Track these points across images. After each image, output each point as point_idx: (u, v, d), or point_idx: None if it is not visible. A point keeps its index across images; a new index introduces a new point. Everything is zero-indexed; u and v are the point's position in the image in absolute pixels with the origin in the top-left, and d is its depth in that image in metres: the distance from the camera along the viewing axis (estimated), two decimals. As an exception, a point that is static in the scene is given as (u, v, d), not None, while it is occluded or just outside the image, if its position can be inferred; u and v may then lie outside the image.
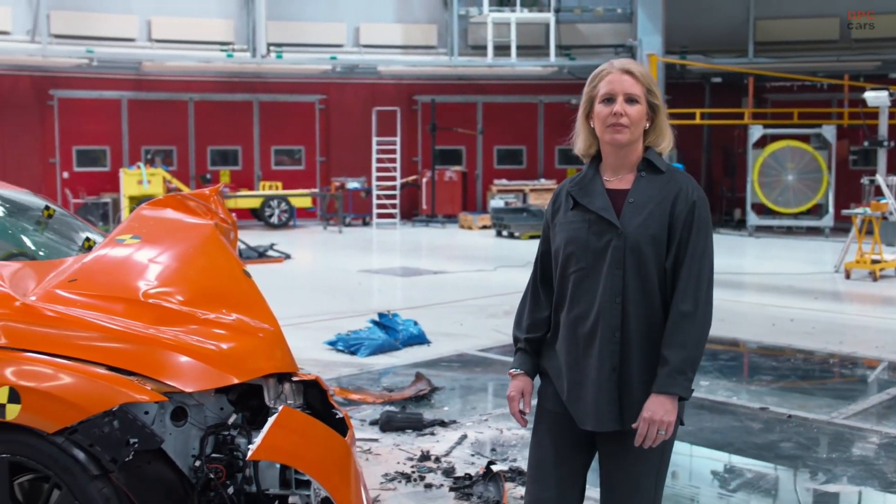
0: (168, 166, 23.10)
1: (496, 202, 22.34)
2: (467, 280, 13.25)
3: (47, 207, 4.89)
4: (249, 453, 3.11)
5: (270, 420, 3.17)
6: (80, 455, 3.09)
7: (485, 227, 21.81)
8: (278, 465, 3.31)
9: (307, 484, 3.31)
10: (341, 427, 3.55)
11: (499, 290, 12.10)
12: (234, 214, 17.96)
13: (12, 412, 3.13)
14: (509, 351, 8.03)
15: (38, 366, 3.21)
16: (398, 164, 23.49)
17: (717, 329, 9.30)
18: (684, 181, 2.90)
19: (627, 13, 24.10)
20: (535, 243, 12.26)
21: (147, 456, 3.17)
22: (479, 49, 24.53)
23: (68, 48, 21.96)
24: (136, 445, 3.09)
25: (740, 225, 22.21)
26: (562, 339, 2.95)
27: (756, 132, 20.74)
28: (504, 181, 24.10)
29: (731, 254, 17.26)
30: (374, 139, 23.49)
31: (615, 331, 2.83)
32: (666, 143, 2.96)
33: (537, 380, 3.09)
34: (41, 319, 3.36)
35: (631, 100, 2.87)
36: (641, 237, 2.82)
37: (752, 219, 20.74)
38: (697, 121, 22.22)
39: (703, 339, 2.83)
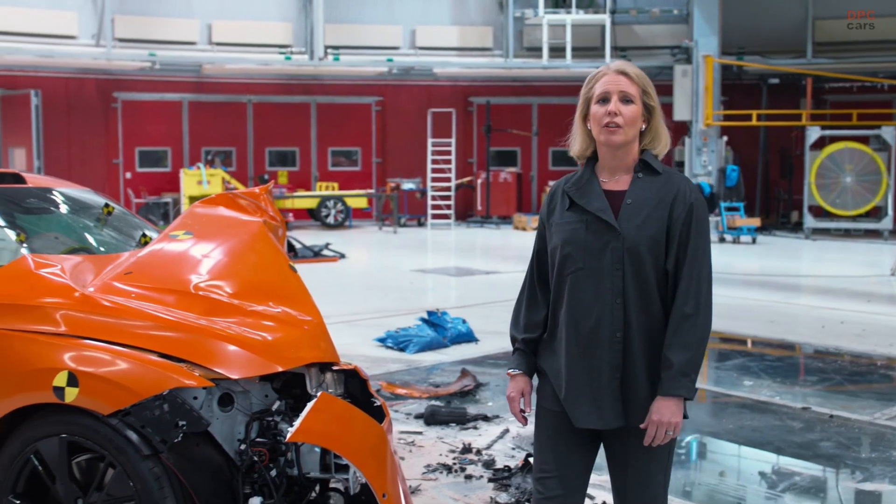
0: (227, 167, 23.55)
1: (550, 203, 22.38)
2: (518, 280, 13.24)
3: (107, 205, 5.13)
4: (288, 435, 3.29)
5: (309, 405, 3.34)
6: (133, 436, 3.29)
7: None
8: (319, 450, 3.48)
9: (346, 468, 3.48)
10: (379, 415, 3.71)
11: (549, 290, 12.19)
12: (290, 214, 18.30)
13: (71, 395, 3.34)
14: (556, 349, 8.18)
15: (94, 352, 3.42)
16: (453, 166, 23.65)
17: (766, 331, 9.34)
18: (682, 183, 2.93)
19: (684, 14, 23.99)
20: None
21: (195, 438, 3.35)
22: (535, 51, 24.62)
23: (132, 52, 22.48)
24: (185, 428, 3.28)
25: (797, 227, 22.02)
26: (561, 338, 2.96)
27: (814, 133, 20.55)
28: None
29: (787, 257, 17.16)
30: (430, 140, 23.69)
31: (617, 331, 2.87)
32: (662, 146, 2.99)
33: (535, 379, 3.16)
34: (98, 309, 3.57)
35: (626, 99, 2.90)
36: (640, 238, 2.86)
37: (809, 221, 20.54)
38: (754, 122, 22.08)
39: (704, 340, 2.88)
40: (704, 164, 21.71)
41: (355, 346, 8.37)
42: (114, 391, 3.32)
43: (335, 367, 3.77)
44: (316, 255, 16.22)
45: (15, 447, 3.48)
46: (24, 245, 4.32)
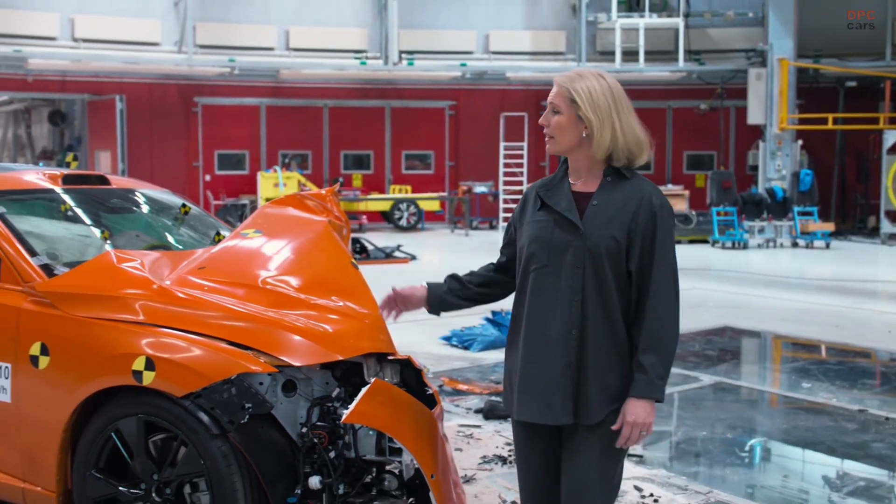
0: (303, 170, 24.06)
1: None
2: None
3: (184, 206, 5.46)
4: (343, 416, 3.53)
5: (364, 390, 3.58)
6: (204, 417, 3.56)
7: (610, 231, 21.93)
8: (374, 435, 3.73)
9: (399, 452, 3.72)
10: (431, 402, 3.94)
11: (615, 292, 12.33)
12: (364, 217, 18.66)
13: (148, 378, 3.63)
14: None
15: (170, 339, 3.71)
16: (525, 169, 23.83)
17: (831, 335, 9.33)
18: (648, 189, 2.97)
19: (759, 17, 23.83)
20: (679, 248, 12.27)
21: (260, 421, 3.62)
22: (608, 55, 24.66)
23: (212, 58, 23.13)
24: (251, 410, 3.54)
25: (874, 233, 21.69)
26: (521, 334, 3.03)
27: (891, 137, 20.27)
28: (632, 186, 24.14)
29: (861, 262, 16.97)
30: (502, 144, 23.90)
31: (573, 328, 2.93)
32: (603, 150, 2.97)
33: None
34: (174, 300, 3.87)
35: (553, 111, 3.00)
36: (601, 239, 2.92)
37: (886, 226, 20.26)
38: (830, 126, 21.81)
39: (674, 344, 2.95)
40: (778, 168, 21.53)
41: (421, 344, 8.62)
42: (187, 375, 3.60)
43: (391, 358, 4.01)
44: (388, 256, 16.54)
45: (98, 426, 3.79)
46: (108, 242, 4.66)
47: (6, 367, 3.96)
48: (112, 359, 3.73)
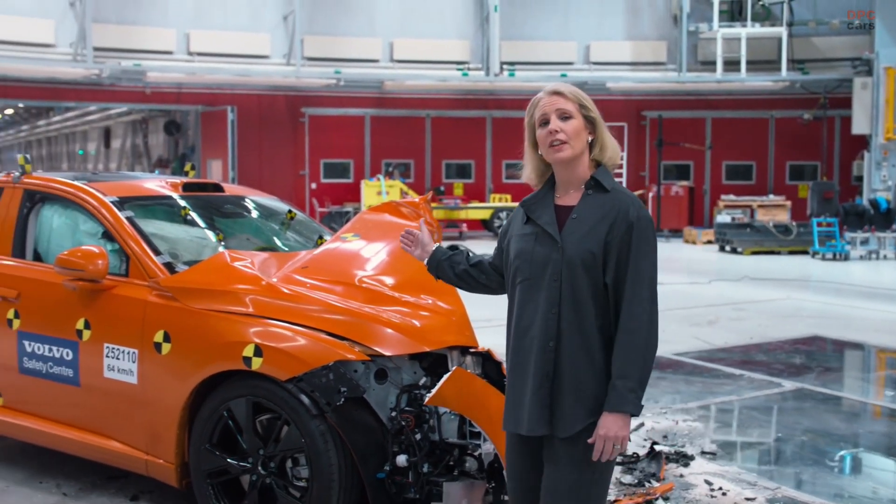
0: (406, 178, 24.64)
1: (722, 217, 22.29)
2: (679, 291, 13.63)
3: (290, 211, 5.96)
4: (426, 399, 3.92)
5: (445, 376, 3.96)
6: (305, 399, 4.00)
7: (709, 241, 21.91)
8: (457, 420, 4.11)
9: (478, 435, 4.09)
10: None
11: (709, 301, 12.48)
12: (464, 224, 19.19)
13: (257, 363, 4.09)
14: (705, 356, 8.57)
15: (276, 329, 4.16)
16: (624, 179, 23.91)
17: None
18: (626, 201, 2.99)
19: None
20: (758, 259, 12.98)
21: (354, 404, 4.03)
22: (709, 64, 24.62)
23: (319, 70, 23.91)
24: (346, 394, 3.96)
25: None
26: (511, 346, 3.10)
27: None
28: (732, 196, 24.03)
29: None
30: (602, 154, 24.02)
31: (550, 340, 2.96)
32: (609, 154, 3.10)
33: None
34: (280, 295, 4.32)
35: (564, 116, 3.03)
36: (578, 252, 2.95)
37: None
38: (938, 136, 21.38)
39: (651, 357, 2.95)
40: (884, 178, 21.21)
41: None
42: (290, 361, 4.04)
43: (473, 351, 4.40)
44: (485, 263, 16.87)
45: (212, 405, 4.27)
46: (222, 243, 5.17)
47: (133, 353, 4.47)
48: (225, 346, 4.21)
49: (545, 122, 3.04)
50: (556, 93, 3.06)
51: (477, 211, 23.99)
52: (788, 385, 7.56)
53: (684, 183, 25.00)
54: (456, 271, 3.44)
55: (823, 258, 18.80)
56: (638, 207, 2.99)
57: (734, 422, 6.60)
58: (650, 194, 24.82)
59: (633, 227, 2.95)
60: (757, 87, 24.61)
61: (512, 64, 25.16)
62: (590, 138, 3.07)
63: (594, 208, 3.00)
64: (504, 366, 4.54)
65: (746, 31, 23.80)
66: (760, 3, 23.68)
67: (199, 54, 23.45)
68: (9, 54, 21.50)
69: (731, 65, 23.95)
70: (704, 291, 13.64)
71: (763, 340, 9.59)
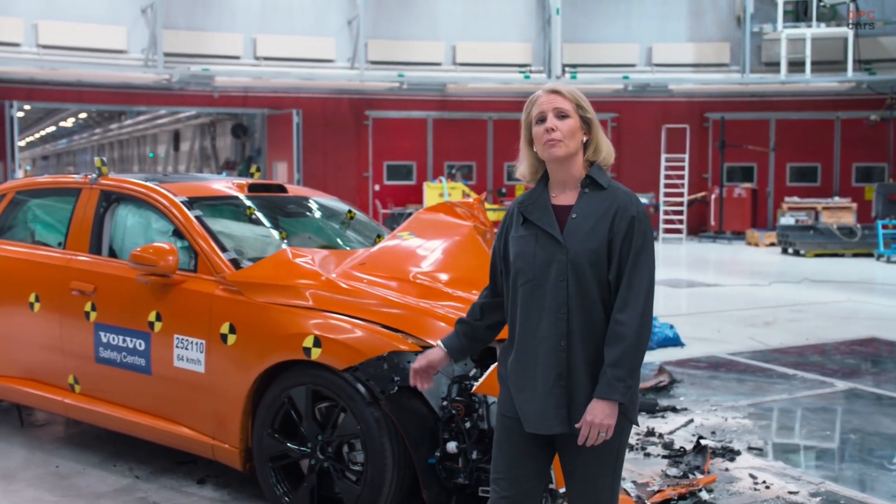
0: (468, 181, 24.86)
1: (786, 219, 22.10)
2: (738, 293, 13.66)
3: (350, 211, 6.22)
4: (473, 388, 4.13)
5: (491, 367, 4.17)
6: (361, 388, 4.23)
7: (771, 244, 21.77)
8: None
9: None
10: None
11: (767, 303, 12.48)
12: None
13: (315, 354, 4.34)
14: (759, 356, 8.65)
15: (334, 321, 4.41)
16: (686, 181, 23.88)
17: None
18: (624, 197, 3.06)
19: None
20: (821, 261, 12.98)
21: (407, 392, 4.25)
22: (773, 65, 24.45)
23: (382, 73, 24.25)
24: (399, 383, 4.19)
25: None
26: (514, 348, 3.15)
27: None
28: (796, 198, 23.82)
29: None
30: (663, 156, 24.05)
31: (561, 339, 3.02)
32: (604, 154, 3.15)
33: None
34: (338, 290, 4.57)
35: (561, 115, 3.07)
36: (582, 252, 3.01)
37: None
38: None
39: (642, 348, 3.02)
40: (952, 181, 20.87)
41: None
42: (347, 352, 4.28)
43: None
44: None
45: (274, 393, 4.53)
46: (285, 241, 5.44)
47: (201, 343, 4.76)
48: (287, 337, 4.46)
49: (542, 119, 3.08)
50: (555, 91, 3.10)
51: (538, 213, 24.09)
52: (841, 385, 7.61)
53: (747, 185, 24.84)
54: (474, 336, 3.38)
55: (888, 261, 18.59)
56: (636, 203, 3.07)
57: (783, 420, 6.68)
58: (712, 196, 24.71)
59: (633, 221, 3.03)
60: (822, 88, 24.36)
61: (573, 66, 25.26)
62: (585, 138, 3.12)
63: (593, 206, 3.06)
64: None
65: (811, 31, 23.59)
66: (822, 4, 23.41)
67: (266, 59, 23.94)
68: (84, 60, 22.20)
69: (796, 66, 23.76)
70: (763, 293, 13.64)
71: (819, 342, 9.61)
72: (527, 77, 25.06)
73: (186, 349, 4.82)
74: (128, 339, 5.10)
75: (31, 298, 5.62)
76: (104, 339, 5.23)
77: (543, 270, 3.05)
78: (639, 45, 25.63)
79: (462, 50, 25.28)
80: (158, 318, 4.96)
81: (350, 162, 25.04)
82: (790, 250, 20.15)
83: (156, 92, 23.74)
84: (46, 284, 5.59)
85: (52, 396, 5.58)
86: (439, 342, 3.35)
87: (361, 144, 25.17)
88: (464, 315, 3.46)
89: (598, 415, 2.97)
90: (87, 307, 5.31)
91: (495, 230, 4.45)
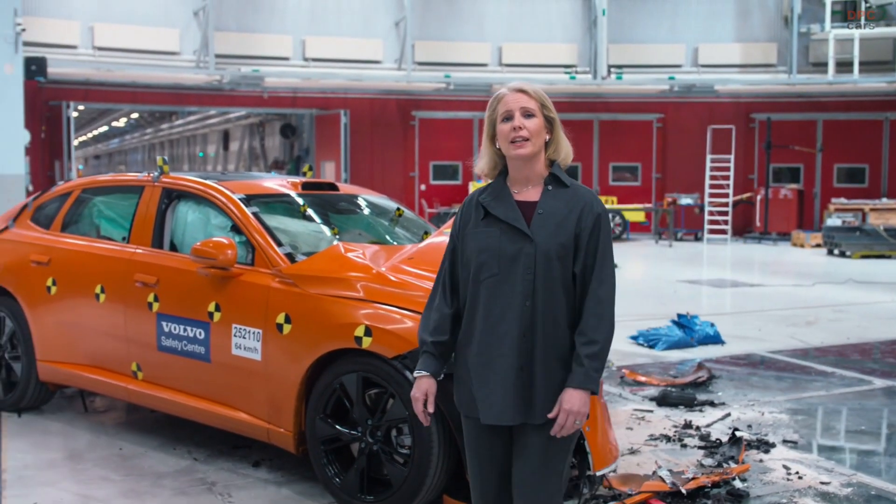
0: (512, 180, 25.02)
1: (833, 221, 21.99)
2: (781, 293, 13.72)
3: (398, 209, 6.47)
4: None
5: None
6: (409, 375, 4.48)
7: (817, 245, 21.71)
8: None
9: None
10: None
11: (810, 303, 12.55)
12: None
13: (366, 342, 4.59)
14: (799, 355, 8.78)
15: (384, 312, 4.65)
16: (731, 181, 23.87)
17: None
18: (588, 196, 3.17)
19: None
20: (866, 263, 13.03)
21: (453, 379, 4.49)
22: (820, 66, 24.37)
23: (429, 74, 24.53)
24: (446, 370, 4.42)
25: None
26: (475, 341, 3.17)
27: None
28: (843, 200, 23.71)
29: None
30: (708, 157, 24.06)
31: (525, 332, 3.09)
32: (564, 154, 3.24)
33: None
34: (388, 282, 4.81)
35: (527, 114, 3.14)
36: (551, 246, 3.09)
37: None
38: None
39: (610, 339, 3.13)
40: None
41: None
42: (396, 341, 4.53)
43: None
44: (588, 264, 17.18)
45: (326, 380, 4.78)
46: (337, 237, 5.70)
47: (258, 333, 5.03)
48: (339, 327, 4.72)
49: (508, 117, 3.15)
50: (521, 90, 3.17)
51: (583, 213, 24.22)
52: (879, 383, 7.72)
53: (794, 186, 24.77)
54: (452, 347, 3.33)
55: (936, 263, 18.50)
56: (599, 201, 3.18)
57: (819, 415, 6.82)
58: (758, 197, 24.67)
59: (599, 218, 3.15)
60: (870, 89, 24.24)
61: (619, 67, 25.35)
62: (547, 138, 3.19)
63: (557, 203, 3.15)
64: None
65: (860, 32, 23.48)
66: (868, 5, 23.28)
67: (315, 60, 24.33)
68: (138, 62, 22.74)
69: (844, 66, 23.68)
70: (806, 293, 13.69)
71: (860, 341, 9.70)
72: (572, 78, 25.20)
73: (244, 338, 5.09)
74: (188, 328, 5.39)
75: (97, 290, 5.94)
76: (166, 329, 5.52)
77: (510, 264, 3.09)
78: (685, 46, 25.66)
79: (508, 51, 25.49)
80: (217, 308, 5.24)
81: (396, 162, 25.34)
82: (836, 251, 20.09)
83: (207, 92, 24.23)
84: (111, 276, 5.90)
85: (116, 382, 5.89)
86: (422, 371, 3.26)
87: (408, 144, 25.46)
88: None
89: (576, 404, 3.04)
90: (150, 298, 5.61)
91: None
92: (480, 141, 3.34)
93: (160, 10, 23.21)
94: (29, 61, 19.86)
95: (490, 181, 3.29)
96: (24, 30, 18.97)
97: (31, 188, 19.94)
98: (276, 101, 24.85)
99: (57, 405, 6.82)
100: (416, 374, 3.28)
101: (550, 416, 3.08)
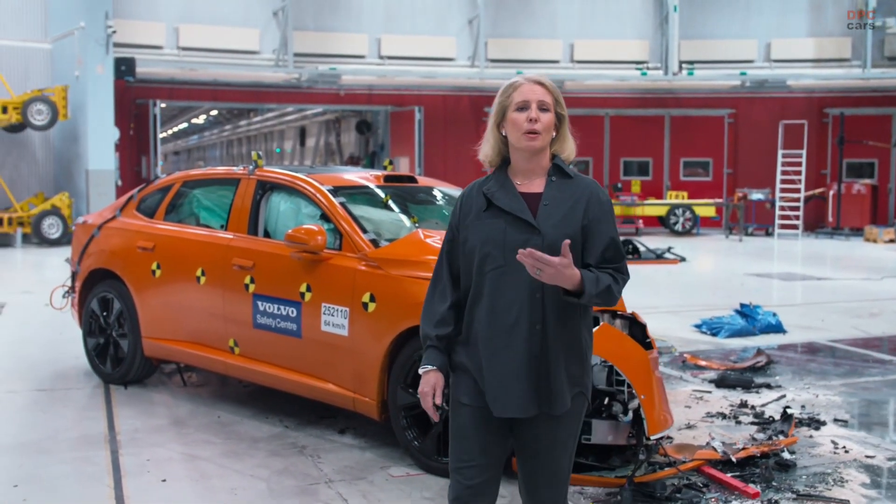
0: (583, 176, 25.33)
1: (907, 216, 21.99)
2: (848, 286, 13.90)
3: (472, 200, 6.95)
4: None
5: (594, 328, 4.85)
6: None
7: (890, 240, 21.67)
8: (605, 370, 4.98)
9: (623, 383, 4.95)
10: (649, 348, 5.15)
11: (876, 296, 12.74)
12: (640, 221, 19.84)
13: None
14: (859, 343, 9.07)
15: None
16: (803, 177, 23.88)
17: None
18: (593, 186, 3.15)
19: None
20: None
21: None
22: (895, 60, 24.22)
23: (501, 71, 24.97)
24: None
25: None
26: (481, 333, 3.10)
27: None
28: (917, 195, 23.59)
29: None
30: (780, 152, 24.10)
31: (536, 323, 3.04)
32: (569, 151, 3.21)
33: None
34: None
35: (543, 108, 3.11)
36: (558, 236, 3.02)
37: None
38: None
39: (612, 297, 3.07)
40: None
41: (675, 329, 9.70)
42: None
43: (620, 314, 5.26)
44: (658, 257, 17.52)
45: (407, 353, 5.29)
46: (416, 224, 6.20)
47: (346, 311, 5.56)
48: (418, 305, 5.17)
49: (523, 107, 3.12)
50: (539, 83, 3.16)
51: (653, 208, 24.48)
52: (934, 369, 8.00)
53: (867, 181, 24.68)
54: (458, 340, 3.23)
55: None
56: (604, 191, 3.19)
57: (872, 398, 7.13)
58: (831, 192, 24.63)
59: (605, 206, 3.15)
60: (947, 84, 24.06)
61: (691, 63, 25.50)
62: (554, 133, 3.17)
63: (562, 194, 3.12)
64: (647, 328, 5.38)
65: (936, 26, 23.34)
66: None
67: (389, 58, 24.95)
68: (220, 61, 23.62)
69: (919, 61, 23.56)
70: (874, 287, 13.85)
71: (921, 332, 9.93)
72: (644, 74, 25.43)
73: (333, 316, 5.63)
74: (282, 307, 5.94)
75: (198, 273, 6.54)
76: (261, 308, 6.09)
77: (515, 255, 2.96)
78: (757, 41, 25.71)
79: (580, 47, 25.81)
80: (308, 289, 5.79)
81: (469, 158, 25.56)
82: (909, 247, 20.07)
83: (285, 90, 25.01)
84: (211, 261, 6.49)
85: (215, 357, 6.48)
86: (428, 365, 3.19)
87: (480, 140, 25.84)
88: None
89: (560, 265, 2.90)
90: (247, 280, 6.18)
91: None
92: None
93: (241, 11, 24.05)
94: (119, 62, 20.82)
95: (492, 170, 3.27)
96: (114, 32, 19.90)
97: (119, 183, 20.89)
98: (351, 98, 25.53)
99: (158, 380, 7.45)
100: (422, 369, 3.21)
101: (523, 253, 2.92)
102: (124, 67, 21.01)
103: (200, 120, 47.56)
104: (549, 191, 3.12)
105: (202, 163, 60.11)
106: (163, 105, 28.58)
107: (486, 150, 3.27)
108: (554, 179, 3.14)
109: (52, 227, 19.78)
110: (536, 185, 3.15)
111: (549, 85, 3.16)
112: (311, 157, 37.08)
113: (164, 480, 5.13)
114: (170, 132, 54.57)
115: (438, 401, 3.17)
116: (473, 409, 3.14)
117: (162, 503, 4.82)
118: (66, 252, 18.40)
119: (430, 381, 3.18)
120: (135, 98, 23.04)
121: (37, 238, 19.78)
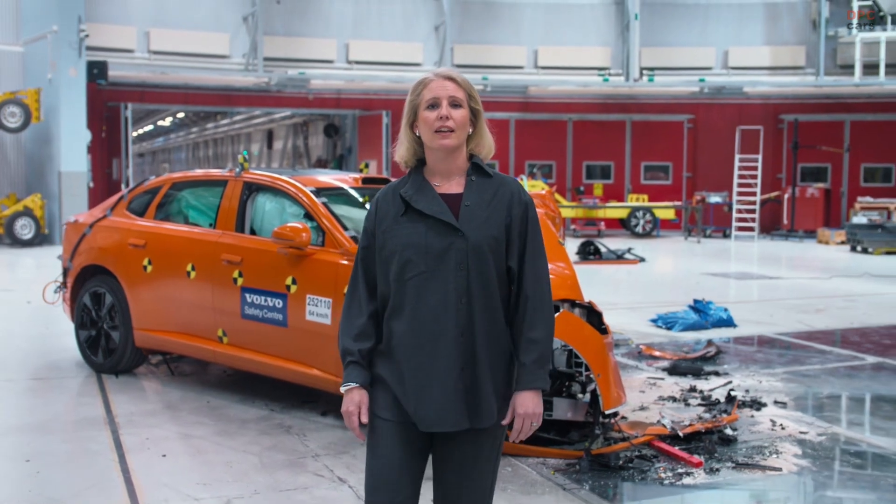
0: (548, 179, 25.99)
1: (858, 219, 22.67)
2: (798, 285, 14.59)
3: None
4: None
5: (555, 314, 5.40)
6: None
7: (842, 242, 22.47)
8: (565, 353, 5.54)
9: (581, 365, 5.52)
10: (604, 333, 5.72)
11: (823, 294, 13.43)
12: (602, 223, 20.59)
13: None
14: (803, 336, 9.72)
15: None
16: (759, 181, 24.65)
17: None
18: (514, 185, 3.02)
19: None
20: (887, 259, 14.15)
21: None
22: (847, 68, 25.10)
23: (468, 76, 25.15)
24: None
25: None
26: (403, 344, 2.92)
27: None
28: (868, 198, 24.43)
29: None
30: (737, 156, 24.87)
31: (462, 331, 2.88)
32: (487, 148, 3.07)
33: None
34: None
35: (455, 104, 2.96)
36: (483, 238, 2.89)
37: None
38: None
39: (552, 331, 3.00)
40: None
41: (632, 324, 10.29)
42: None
43: (579, 303, 5.83)
44: (618, 257, 18.15)
45: (386, 339, 5.81)
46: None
47: (328, 301, 6.07)
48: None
49: (434, 105, 2.98)
50: (449, 78, 3.02)
51: (614, 210, 25.16)
52: (870, 360, 8.64)
53: (821, 185, 25.51)
54: (377, 353, 3.03)
55: (954, 259, 19.21)
56: (524, 190, 3.05)
57: (810, 383, 7.74)
58: (785, 196, 25.43)
59: (528, 207, 3.01)
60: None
61: (651, 69, 26.23)
62: (470, 130, 3.03)
63: (483, 195, 2.98)
64: (603, 316, 5.95)
65: (886, 35, 24.19)
66: (880, 13, 23.98)
67: (358, 63, 25.46)
68: (190, 65, 24.01)
69: (871, 68, 24.39)
70: (821, 285, 14.55)
71: (862, 326, 10.60)
72: (606, 80, 26.12)
73: (316, 306, 6.13)
74: (268, 298, 6.44)
75: (188, 268, 7.01)
76: (249, 300, 6.58)
77: (438, 260, 2.89)
78: (715, 49, 26.50)
79: (544, 54, 26.45)
80: (294, 282, 6.29)
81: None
82: (858, 248, 20.85)
83: (255, 94, 25.44)
84: (201, 256, 6.97)
85: (204, 346, 6.96)
86: (351, 383, 2.97)
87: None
88: None
89: (530, 405, 2.93)
90: (235, 274, 6.67)
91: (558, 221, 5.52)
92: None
93: (212, 16, 24.45)
94: (91, 65, 21.14)
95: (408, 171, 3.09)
96: (87, 35, 20.23)
97: (91, 184, 21.20)
98: (320, 102, 26.00)
99: (147, 370, 7.91)
100: (343, 387, 2.99)
101: (504, 422, 2.97)
102: (97, 71, 21.32)
103: (167, 122, 47.70)
104: (470, 191, 2.98)
105: (167, 165, 60.11)
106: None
107: (401, 151, 3.08)
108: (474, 179, 3.00)
109: (24, 228, 20.06)
110: (455, 186, 3.00)
111: (460, 80, 3.02)
112: (279, 160, 37.45)
113: (164, 455, 5.62)
114: (135, 134, 54.55)
115: (364, 419, 2.96)
116: (393, 423, 2.95)
117: (165, 474, 5.30)
118: (39, 253, 18.77)
119: (355, 400, 2.96)
120: (106, 101, 23.34)
121: (9, 239, 20.06)
